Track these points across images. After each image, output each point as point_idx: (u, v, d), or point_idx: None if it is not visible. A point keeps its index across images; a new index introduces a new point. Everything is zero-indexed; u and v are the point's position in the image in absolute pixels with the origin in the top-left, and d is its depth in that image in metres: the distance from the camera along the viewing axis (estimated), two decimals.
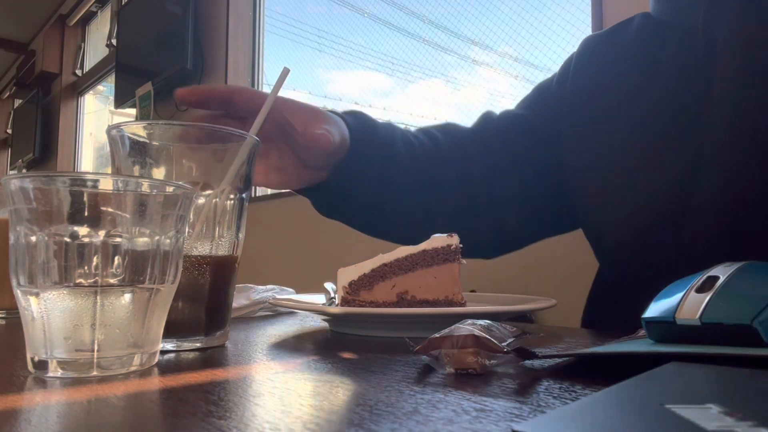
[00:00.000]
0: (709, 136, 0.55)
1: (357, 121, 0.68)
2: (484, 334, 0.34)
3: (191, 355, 0.42)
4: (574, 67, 0.72)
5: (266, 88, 2.70)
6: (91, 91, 4.54)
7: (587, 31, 1.37)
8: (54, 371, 0.34)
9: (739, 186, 0.53)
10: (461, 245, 0.58)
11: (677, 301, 0.35)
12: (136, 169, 0.44)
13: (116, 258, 0.34)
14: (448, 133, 0.77)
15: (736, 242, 0.53)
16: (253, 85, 2.67)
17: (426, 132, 0.76)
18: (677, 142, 0.58)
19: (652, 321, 0.36)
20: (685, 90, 0.59)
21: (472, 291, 0.75)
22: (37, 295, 0.34)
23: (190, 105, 0.60)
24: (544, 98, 0.76)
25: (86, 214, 0.34)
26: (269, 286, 0.74)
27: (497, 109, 0.79)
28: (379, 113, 2.50)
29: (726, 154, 0.54)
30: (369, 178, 0.68)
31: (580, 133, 0.69)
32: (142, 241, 0.35)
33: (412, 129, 0.77)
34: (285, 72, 0.52)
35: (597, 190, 0.65)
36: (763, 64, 0.53)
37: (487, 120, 0.78)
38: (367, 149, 0.67)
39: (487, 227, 0.75)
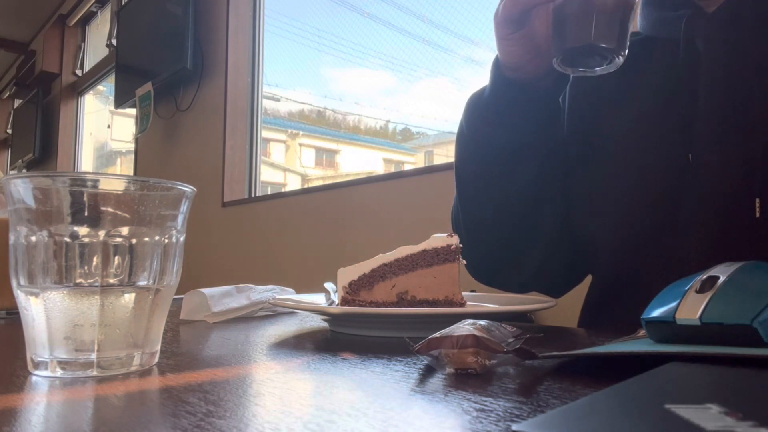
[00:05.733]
0: (696, 142, 0.57)
1: None
2: (484, 334, 0.34)
3: (191, 355, 0.42)
4: (569, 91, 0.72)
5: (266, 88, 2.70)
6: (91, 91, 4.54)
7: None
8: (54, 371, 0.34)
9: (724, 194, 0.55)
10: (461, 246, 0.58)
11: (677, 301, 0.35)
12: None
13: (116, 258, 0.34)
14: None
15: (723, 249, 0.54)
16: (252, 86, 2.67)
17: None
18: (666, 148, 0.60)
19: (652, 321, 0.36)
20: (670, 102, 0.61)
21: (472, 291, 0.75)
22: (37, 295, 0.34)
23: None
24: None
25: (86, 214, 0.34)
26: (269, 286, 0.74)
27: None
28: (382, 113, 2.50)
29: (713, 158, 0.56)
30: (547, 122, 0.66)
31: (575, 150, 0.69)
32: (142, 241, 0.35)
33: None
34: None
35: (590, 201, 0.66)
36: (743, 74, 0.55)
37: None
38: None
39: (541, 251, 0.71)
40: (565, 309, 0.74)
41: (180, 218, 0.38)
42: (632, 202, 0.61)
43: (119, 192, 0.35)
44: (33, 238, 0.34)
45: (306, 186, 2.86)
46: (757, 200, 0.52)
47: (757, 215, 0.52)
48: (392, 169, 2.38)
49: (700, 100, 0.57)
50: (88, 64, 4.44)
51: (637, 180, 0.61)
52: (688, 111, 0.58)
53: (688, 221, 0.57)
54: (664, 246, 0.59)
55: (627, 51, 0.51)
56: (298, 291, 0.76)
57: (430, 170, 1.74)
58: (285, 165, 3.16)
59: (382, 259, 0.58)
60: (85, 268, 0.34)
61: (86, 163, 4.51)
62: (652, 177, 0.60)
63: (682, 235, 0.57)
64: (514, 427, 0.19)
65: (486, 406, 0.27)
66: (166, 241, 0.37)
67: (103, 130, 4.51)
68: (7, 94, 5.66)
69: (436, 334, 0.35)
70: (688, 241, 0.57)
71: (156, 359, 0.38)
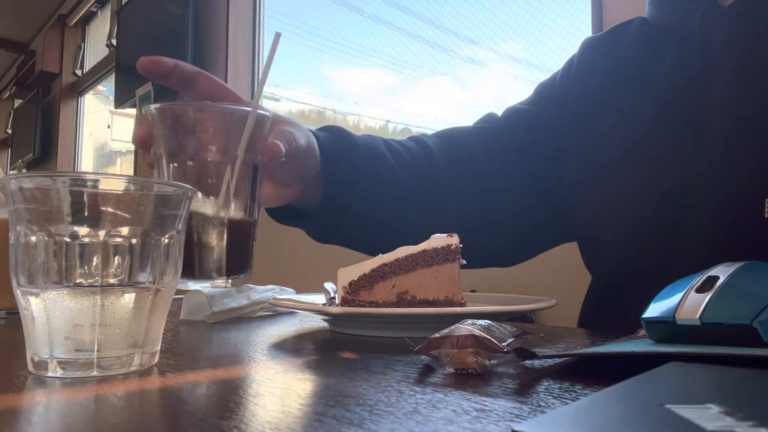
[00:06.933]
0: (705, 145, 0.56)
1: (330, 133, 0.65)
2: (484, 334, 0.34)
3: (191, 355, 0.42)
4: (576, 70, 0.72)
5: (266, 88, 2.70)
6: (91, 91, 4.54)
7: (587, 30, 1.37)
8: (54, 371, 0.34)
9: (733, 194, 0.54)
10: (461, 246, 0.58)
11: (677, 301, 0.35)
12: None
13: (116, 258, 0.34)
14: (446, 136, 0.75)
15: (729, 249, 0.54)
16: (252, 86, 2.67)
17: (415, 139, 0.74)
18: (674, 151, 0.59)
19: (652, 321, 0.36)
20: (682, 99, 0.59)
21: (472, 291, 0.75)
22: (37, 295, 0.34)
23: (152, 76, 0.59)
24: (548, 95, 0.75)
25: (86, 214, 0.34)
26: (269, 286, 0.74)
27: (500, 110, 0.78)
28: (382, 112, 2.50)
29: (720, 162, 0.55)
30: (359, 189, 0.65)
31: (579, 141, 0.69)
32: (142, 241, 0.35)
33: (396, 140, 0.74)
34: (277, 38, 0.53)
35: (594, 200, 0.66)
36: (759, 72, 0.54)
37: (490, 118, 0.77)
38: (348, 158, 0.64)
39: (503, 229, 0.73)
40: (565, 309, 0.74)
41: (180, 218, 0.38)
42: (638, 200, 0.61)
43: (119, 192, 0.35)
44: (33, 238, 0.34)
45: None
46: (767, 200, 0.52)
47: (766, 215, 0.52)
48: None
49: (712, 95, 0.56)
50: (88, 64, 4.44)
51: (645, 177, 0.60)
52: (699, 106, 0.57)
53: (693, 220, 0.56)
54: (668, 245, 0.58)
55: (238, 271, 0.55)
56: (298, 291, 0.76)
57: None
58: None
59: (382, 259, 0.58)
60: (85, 268, 0.34)
61: (86, 163, 4.50)
62: (659, 174, 0.59)
63: (687, 234, 0.57)
64: (514, 427, 0.19)
65: (486, 406, 0.27)
66: (166, 241, 0.37)
67: (103, 130, 4.51)
68: (7, 94, 5.66)
69: (436, 334, 0.35)
70: (692, 240, 0.56)
71: (156, 359, 0.38)
